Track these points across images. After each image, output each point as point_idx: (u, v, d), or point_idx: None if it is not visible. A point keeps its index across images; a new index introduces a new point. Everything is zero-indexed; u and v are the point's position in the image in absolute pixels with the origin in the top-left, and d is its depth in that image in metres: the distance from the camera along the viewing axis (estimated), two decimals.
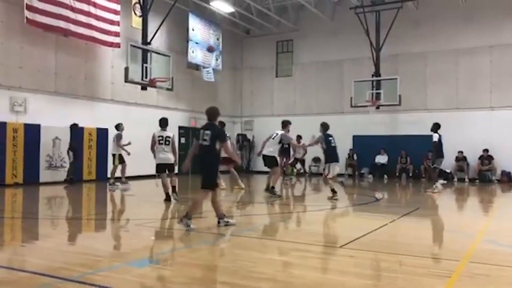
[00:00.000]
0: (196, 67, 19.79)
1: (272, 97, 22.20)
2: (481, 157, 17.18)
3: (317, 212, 9.25)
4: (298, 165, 18.99)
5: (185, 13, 18.48)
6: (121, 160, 13.39)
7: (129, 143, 13.30)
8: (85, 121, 14.86)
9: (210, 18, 19.92)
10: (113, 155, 13.44)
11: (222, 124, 11.62)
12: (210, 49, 19.41)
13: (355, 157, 19.45)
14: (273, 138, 11.20)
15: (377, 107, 18.07)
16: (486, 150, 17.05)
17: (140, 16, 15.98)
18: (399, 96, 17.33)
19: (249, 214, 8.92)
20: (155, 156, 9.85)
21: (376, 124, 19.08)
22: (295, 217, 8.73)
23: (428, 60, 18.62)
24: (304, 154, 18.31)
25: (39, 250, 5.62)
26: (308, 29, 20.95)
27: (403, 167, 18.46)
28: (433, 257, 5.40)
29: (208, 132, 6.68)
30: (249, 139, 22.19)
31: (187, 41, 18.74)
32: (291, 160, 17.99)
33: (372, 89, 18.00)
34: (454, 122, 16.76)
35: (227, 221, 6.78)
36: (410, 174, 18.19)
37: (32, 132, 13.52)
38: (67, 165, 13.98)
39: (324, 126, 10.90)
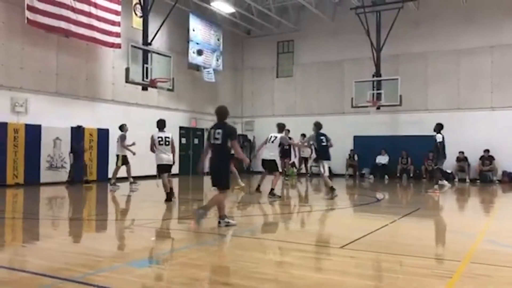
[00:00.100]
0: (197, 67, 19.80)
1: (273, 98, 22.21)
2: (482, 158, 17.17)
3: (318, 212, 9.25)
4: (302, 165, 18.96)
5: (186, 14, 18.50)
6: (125, 161, 13.39)
7: (133, 144, 13.27)
8: (86, 122, 14.88)
9: (210, 18, 19.94)
10: (117, 156, 13.44)
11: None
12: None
13: (356, 157, 19.45)
14: (272, 142, 11.08)
15: (378, 108, 18.07)
16: (487, 151, 17.04)
17: (140, 17, 16.00)
18: (400, 96, 17.34)
19: (250, 215, 8.91)
20: (156, 157, 9.87)
21: (377, 124, 19.08)
22: (296, 218, 8.72)
23: (429, 60, 18.61)
24: (311, 154, 18.26)
25: (40, 250, 5.62)
26: (309, 30, 20.96)
27: (404, 167, 18.45)
28: (434, 257, 5.40)
29: (219, 130, 6.74)
30: (250, 140, 22.21)
31: (188, 42, 18.75)
32: (292, 161, 17.99)
33: (373, 90, 18.01)
34: (455, 122, 16.74)
35: (228, 222, 6.79)
36: (411, 175, 18.18)
37: (33, 132, 13.53)
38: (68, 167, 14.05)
39: (317, 126, 11.08)
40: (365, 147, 19.28)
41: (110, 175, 13.99)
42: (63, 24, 13.60)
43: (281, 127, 11.39)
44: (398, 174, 18.36)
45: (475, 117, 17.51)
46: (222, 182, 6.79)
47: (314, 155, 18.39)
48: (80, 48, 15.03)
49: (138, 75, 14.32)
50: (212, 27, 20.03)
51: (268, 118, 21.17)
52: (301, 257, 5.18)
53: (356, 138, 19.75)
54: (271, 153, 11.09)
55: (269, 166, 11.11)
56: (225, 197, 6.97)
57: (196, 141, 20.40)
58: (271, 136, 11.18)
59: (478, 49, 17.72)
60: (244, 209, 9.54)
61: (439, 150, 12.37)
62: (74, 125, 14.49)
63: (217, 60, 20.39)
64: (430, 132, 12.43)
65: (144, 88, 15.32)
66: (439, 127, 12.38)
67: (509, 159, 16.87)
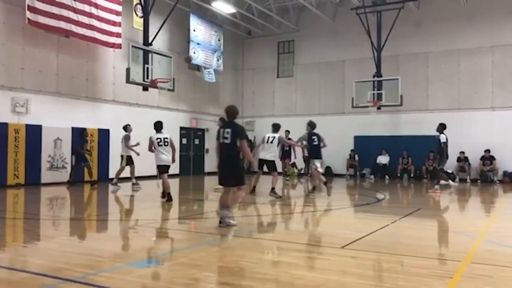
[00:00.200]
0: (198, 67, 19.81)
1: (274, 98, 22.21)
2: (482, 158, 17.15)
3: (318, 212, 9.25)
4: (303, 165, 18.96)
5: (186, 14, 18.51)
6: (129, 162, 13.40)
7: (137, 144, 13.27)
8: (87, 122, 14.89)
9: (211, 19, 19.95)
10: (121, 156, 13.45)
11: (224, 121, 11.65)
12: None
13: (356, 157, 19.44)
14: (271, 142, 11.09)
15: (379, 108, 18.08)
16: (487, 151, 17.02)
17: (141, 17, 16.01)
18: (401, 96, 17.35)
19: (250, 215, 8.91)
20: (156, 158, 9.92)
21: (378, 124, 19.08)
22: (296, 218, 8.72)
23: (430, 61, 18.61)
24: (303, 153, 18.27)
25: (41, 250, 5.63)
26: (309, 30, 20.97)
27: (405, 167, 18.44)
28: (435, 257, 5.39)
29: (228, 130, 6.79)
30: (251, 140, 22.16)
31: (188, 42, 18.76)
32: (292, 161, 17.99)
33: (374, 90, 18.02)
34: (455, 122, 16.69)
35: (229, 222, 6.79)
36: (412, 175, 18.17)
37: (34, 132, 13.54)
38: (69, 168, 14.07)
39: (311, 125, 11.21)
40: (365, 147, 19.28)
41: (110, 175, 13.99)
42: (63, 25, 13.60)
43: (276, 127, 11.40)
44: (398, 174, 18.36)
45: (476, 117, 17.51)
46: (237, 181, 6.86)
47: (306, 154, 18.56)
48: (81, 48, 15.03)
49: (139, 76, 14.34)
50: (213, 28, 20.04)
51: (268, 118, 21.09)
52: (302, 257, 5.19)
53: (356, 138, 19.75)
54: (272, 153, 11.14)
55: (269, 166, 11.18)
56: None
57: (196, 141, 20.39)
58: (269, 137, 11.17)
59: (479, 49, 17.72)
60: (245, 209, 9.54)
61: (443, 150, 12.26)
62: (75, 125, 14.50)
63: (218, 60, 20.41)
64: (430, 132, 12.41)
65: (145, 89, 15.33)
66: (442, 127, 12.24)
67: (510, 159, 16.85)
